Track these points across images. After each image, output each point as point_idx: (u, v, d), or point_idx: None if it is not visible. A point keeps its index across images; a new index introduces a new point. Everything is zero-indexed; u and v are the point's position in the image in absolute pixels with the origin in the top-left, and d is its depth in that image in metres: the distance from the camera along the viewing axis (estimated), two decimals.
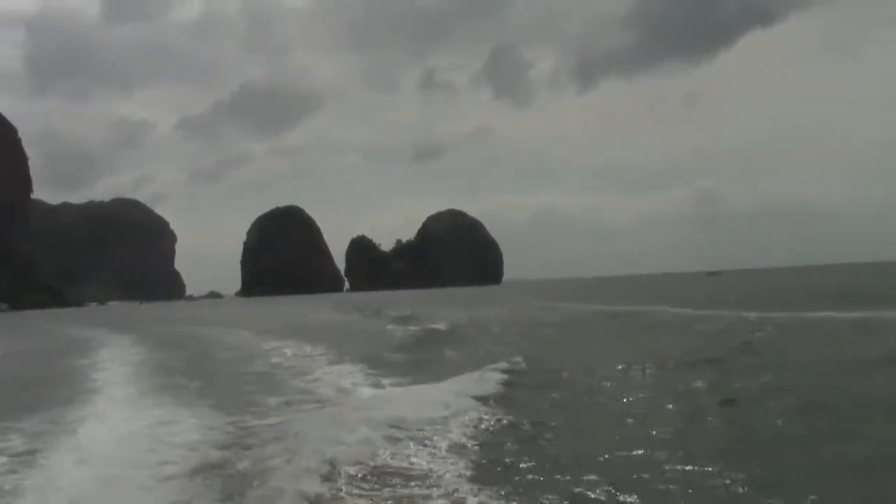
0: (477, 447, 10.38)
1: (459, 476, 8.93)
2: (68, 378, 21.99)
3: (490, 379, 16.15)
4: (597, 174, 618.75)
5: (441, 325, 34.70)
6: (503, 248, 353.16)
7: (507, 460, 9.70)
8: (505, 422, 12.06)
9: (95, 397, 16.94)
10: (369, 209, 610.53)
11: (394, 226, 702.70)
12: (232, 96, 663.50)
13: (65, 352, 34.42)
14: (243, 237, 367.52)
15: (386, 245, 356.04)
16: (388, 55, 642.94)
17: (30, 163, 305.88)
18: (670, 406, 12.68)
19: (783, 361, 16.52)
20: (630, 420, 11.85)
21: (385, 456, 9.78)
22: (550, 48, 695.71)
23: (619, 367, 17.03)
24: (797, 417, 11.26)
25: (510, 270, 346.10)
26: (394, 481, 8.75)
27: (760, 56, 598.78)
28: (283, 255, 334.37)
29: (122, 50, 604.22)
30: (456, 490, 8.32)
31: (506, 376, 16.68)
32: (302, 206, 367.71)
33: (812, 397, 12.50)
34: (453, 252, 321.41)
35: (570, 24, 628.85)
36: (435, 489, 8.43)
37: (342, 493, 8.29)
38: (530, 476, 8.97)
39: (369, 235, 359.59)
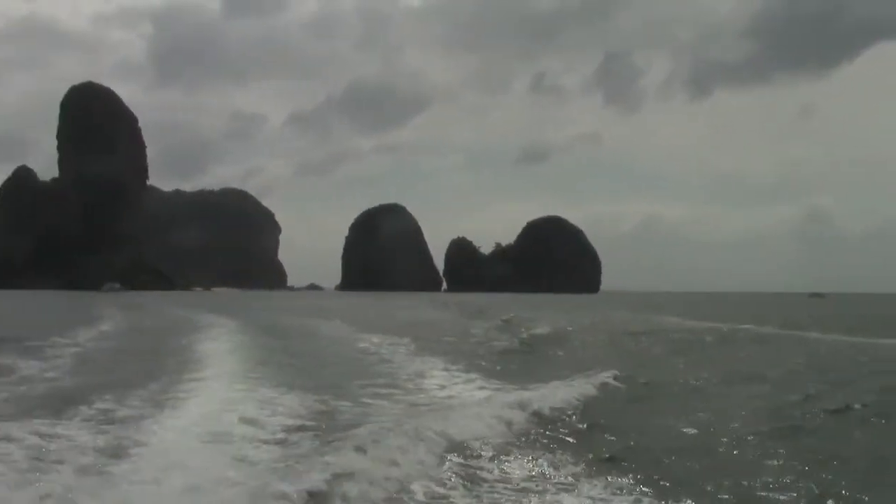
0: (563, 456, 10.31)
1: (547, 482, 9.01)
2: (178, 353, 23.92)
3: (586, 387, 16.05)
4: (705, 186, 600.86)
5: (540, 330, 34.55)
6: (603, 256, 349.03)
7: (599, 468, 9.68)
8: (598, 431, 12.00)
9: (201, 373, 17.86)
10: (470, 210, 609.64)
11: (494, 228, 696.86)
12: (343, 93, 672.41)
13: (175, 329, 36.77)
14: (346, 231, 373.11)
15: (485, 248, 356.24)
16: (498, 57, 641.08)
17: (147, 151, 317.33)
18: (766, 429, 12.15)
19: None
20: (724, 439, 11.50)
21: (472, 457, 9.90)
22: (663, 55, 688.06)
23: (716, 385, 16.81)
24: None
25: (609, 280, 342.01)
26: (483, 485, 8.85)
27: (885, 69, 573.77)
28: (383, 252, 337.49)
29: (239, 45, 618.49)
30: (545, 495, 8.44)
31: (602, 386, 16.64)
32: (404, 204, 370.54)
33: None
34: (552, 259, 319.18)
35: (685, 32, 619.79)
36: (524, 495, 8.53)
37: (435, 491, 8.46)
38: (627, 484, 8.92)
39: (469, 236, 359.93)
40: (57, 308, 71.26)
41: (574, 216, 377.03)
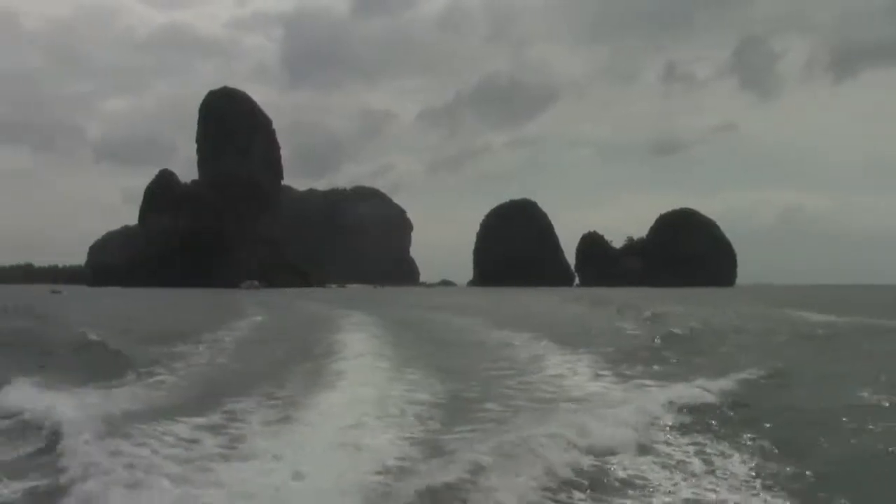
0: (707, 460, 9.84)
1: (694, 481, 8.87)
2: (320, 346, 24.65)
3: (729, 388, 15.25)
4: (852, 173, 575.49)
5: (683, 326, 33.06)
6: (742, 248, 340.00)
7: (749, 467, 9.40)
8: (748, 429, 11.46)
9: (341, 367, 18.36)
10: (601, 203, 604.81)
11: (625, 222, 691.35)
12: (472, 88, 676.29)
13: (317, 323, 38.35)
14: (477, 227, 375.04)
15: (616, 241, 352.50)
16: (627, 48, 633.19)
17: (281, 151, 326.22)
18: None
19: None
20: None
21: (613, 459, 9.69)
22: (802, 39, 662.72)
23: (873, 385, 15.20)
24: None
25: (746, 274, 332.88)
26: (627, 485, 8.76)
27: None
28: (515, 247, 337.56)
29: (368, 44, 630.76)
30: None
31: (747, 386, 15.85)
32: (535, 198, 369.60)
33: None
34: (684, 252, 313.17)
35: (825, 14, 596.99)
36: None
37: (576, 488, 8.43)
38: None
39: (600, 230, 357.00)
40: (207, 305, 74.14)
41: (708, 208, 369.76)
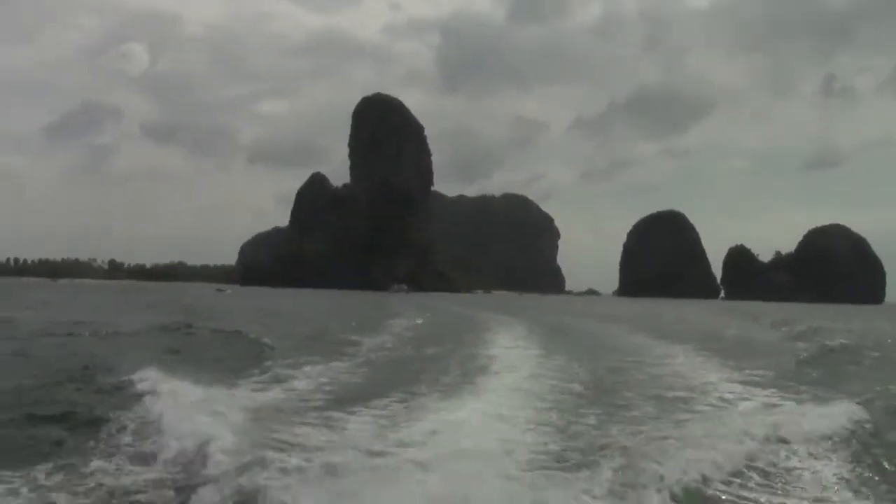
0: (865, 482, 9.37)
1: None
2: (468, 348, 25.80)
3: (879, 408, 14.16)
4: None
5: (835, 341, 31.68)
6: (894, 266, 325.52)
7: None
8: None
9: (487, 370, 18.95)
10: (751, 216, 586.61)
11: (775, 235, 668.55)
12: (626, 97, 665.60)
13: (470, 324, 40.96)
14: (625, 238, 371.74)
15: (764, 256, 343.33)
16: (786, 58, 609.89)
17: (433, 157, 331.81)
18: None
19: None
20: None
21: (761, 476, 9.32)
22: None
23: None
24: None
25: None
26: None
27: None
28: (661, 258, 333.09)
29: (523, 51, 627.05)
30: None
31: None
32: (684, 209, 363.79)
33: None
34: (832, 268, 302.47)
35: None
36: None
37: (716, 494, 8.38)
38: None
39: (748, 243, 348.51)
40: (364, 306, 76.45)
41: (861, 224, 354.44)
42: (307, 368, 18.64)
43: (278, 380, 16.77)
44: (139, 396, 12.68)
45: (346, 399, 14.28)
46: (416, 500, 7.43)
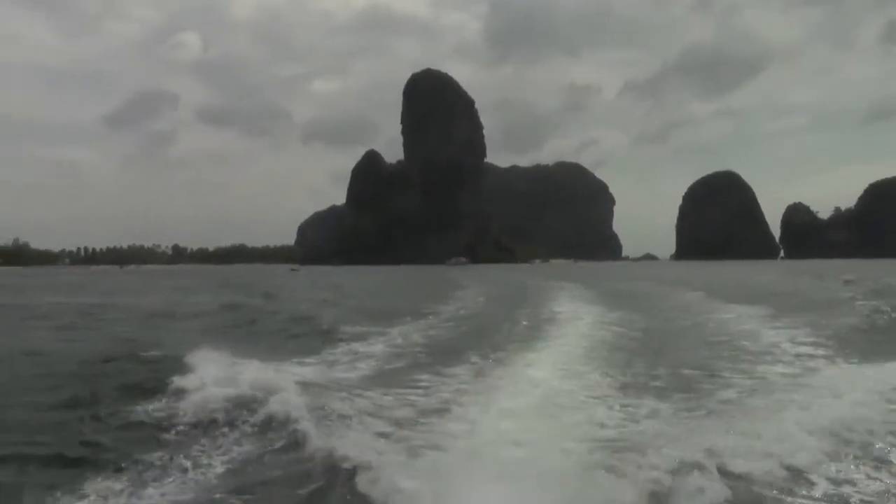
0: None
1: None
2: (539, 313, 26.62)
3: None
4: None
5: None
6: None
7: None
8: None
9: (556, 334, 19.25)
10: (811, 173, 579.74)
11: (835, 192, 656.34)
12: (677, 58, 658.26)
13: (534, 293, 41.22)
14: (680, 201, 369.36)
15: (824, 213, 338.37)
16: (844, 8, 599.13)
17: (483, 129, 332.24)
18: None
19: None
20: None
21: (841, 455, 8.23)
22: None
23: None
24: None
25: None
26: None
27: None
28: (717, 220, 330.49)
29: (572, 17, 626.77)
30: None
31: None
32: (740, 169, 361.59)
33: None
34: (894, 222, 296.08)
35: None
36: None
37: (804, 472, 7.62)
38: None
39: (807, 201, 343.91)
40: (428, 280, 78.33)
41: None
42: (387, 338, 19.64)
43: (359, 354, 17.28)
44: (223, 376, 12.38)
45: (426, 365, 14.97)
46: (488, 472, 7.25)
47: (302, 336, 20.78)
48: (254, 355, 14.08)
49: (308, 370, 14.61)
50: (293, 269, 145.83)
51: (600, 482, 7.07)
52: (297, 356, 16.35)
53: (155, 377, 12.22)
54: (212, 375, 11.72)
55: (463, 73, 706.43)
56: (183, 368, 12.43)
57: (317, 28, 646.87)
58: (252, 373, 11.83)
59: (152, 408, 10.56)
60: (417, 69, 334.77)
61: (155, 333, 21.36)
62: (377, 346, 18.16)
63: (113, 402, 10.94)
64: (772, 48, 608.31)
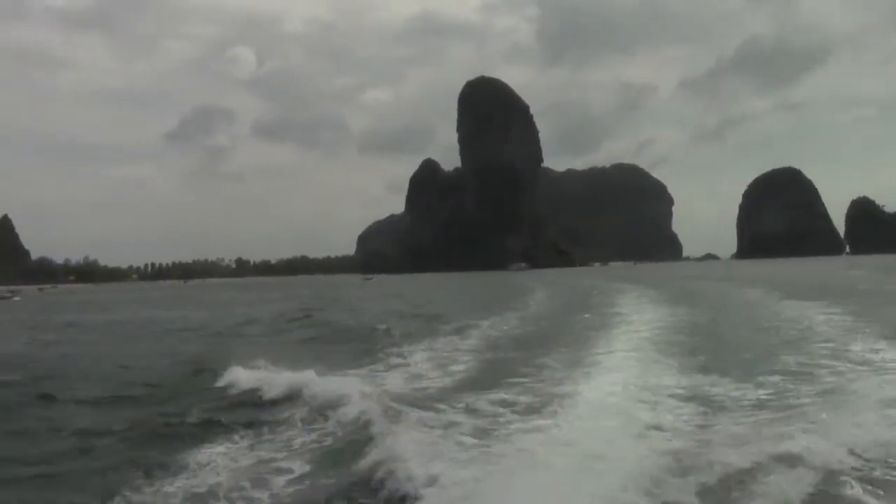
0: None
1: None
2: (607, 315, 27.24)
3: None
4: None
5: None
6: None
7: None
8: None
9: (618, 343, 18.50)
10: (876, 167, 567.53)
11: None
12: (734, 53, 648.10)
13: (598, 295, 42.27)
14: (740, 198, 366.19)
15: (890, 207, 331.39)
16: None
17: (539, 133, 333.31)
18: None
19: None
20: None
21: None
22: None
23: None
24: None
25: None
26: None
27: None
28: (779, 217, 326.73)
29: (625, 15, 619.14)
30: None
31: None
32: (802, 165, 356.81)
33: None
34: None
35: None
36: None
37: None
38: None
39: (875, 195, 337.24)
40: (496, 285, 79.39)
41: None
42: (483, 334, 21.47)
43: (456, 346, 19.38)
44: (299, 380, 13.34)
45: (520, 361, 15.78)
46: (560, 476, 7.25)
47: (413, 336, 22.40)
48: (361, 362, 16.23)
49: (421, 361, 16.83)
50: (367, 279, 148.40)
51: (678, 477, 7.16)
52: (422, 351, 18.62)
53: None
54: (313, 384, 12.67)
55: (516, 77, 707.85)
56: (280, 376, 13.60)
57: (369, 38, 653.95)
58: (351, 385, 12.38)
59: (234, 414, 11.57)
60: (470, 75, 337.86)
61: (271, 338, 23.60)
62: (473, 341, 20.14)
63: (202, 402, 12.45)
64: (834, 37, 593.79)
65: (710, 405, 10.79)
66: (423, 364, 16.97)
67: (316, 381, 12.92)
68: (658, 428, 9.25)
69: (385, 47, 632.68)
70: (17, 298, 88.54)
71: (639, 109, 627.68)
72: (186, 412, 11.95)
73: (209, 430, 10.68)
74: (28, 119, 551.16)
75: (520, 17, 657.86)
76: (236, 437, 10.25)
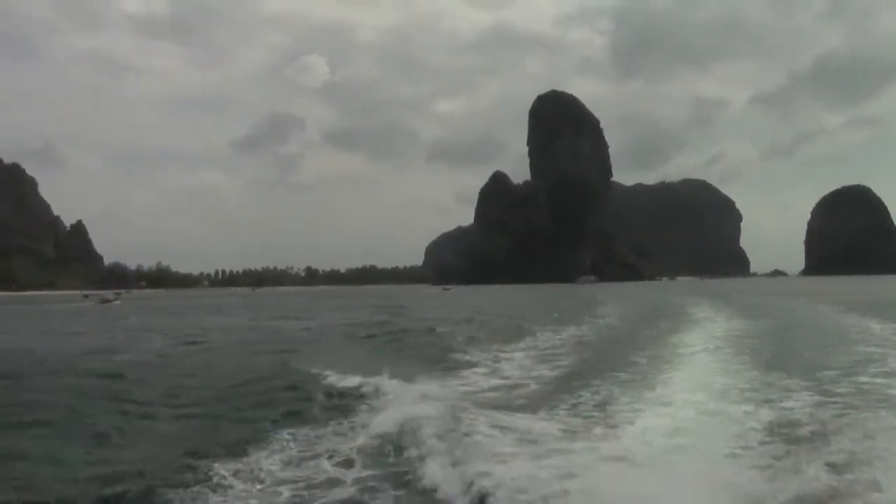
0: None
1: None
2: (681, 330, 26.88)
3: None
4: None
5: None
6: None
7: None
8: None
9: (689, 360, 18.10)
10: None
11: None
12: (808, 68, 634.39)
13: (670, 310, 43.04)
14: (809, 215, 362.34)
15: None
16: None
17: (610, 145, 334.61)
18: None
19: None
20: None
21: None
22: None
23: None
24: None
25: None
26: None
27: None
28: (848, 235, 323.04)
29: (698, 30, 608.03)
30: None
31: None
32: (875, 182, 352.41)
33: None
34: None
35: None
36: None
37: None
38: None
39: None
40: (567, 299, 78.96)
41: None
42: (564, 341, 23.12)
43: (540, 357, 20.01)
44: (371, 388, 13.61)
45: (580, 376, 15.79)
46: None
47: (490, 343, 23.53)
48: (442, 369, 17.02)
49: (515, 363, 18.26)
50: (445, 289, 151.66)
51: (760, 483, 7.21)
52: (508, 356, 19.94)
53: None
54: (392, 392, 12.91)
55: (588, 89, 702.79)
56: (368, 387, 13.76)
57: (442, 48, 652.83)
58: (435, 391, 12.77)
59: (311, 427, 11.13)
60: (541, 86, 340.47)
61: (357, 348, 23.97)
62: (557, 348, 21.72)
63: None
64: None
65: (793, 429, 9.98)
66: (507, 369, 17.77)
67: (404, 388, 13.20)
68: (734, 456, 8.64)
69: (458, 57, 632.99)
70: (117, 302, 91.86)
71: (710, 124, 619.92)
72: (270, 404, 12.59)
73: (290, 421, 11.20)
74: (103, 125, 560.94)
75: (593, 31, 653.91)
76: (307, 430, 10.60)
